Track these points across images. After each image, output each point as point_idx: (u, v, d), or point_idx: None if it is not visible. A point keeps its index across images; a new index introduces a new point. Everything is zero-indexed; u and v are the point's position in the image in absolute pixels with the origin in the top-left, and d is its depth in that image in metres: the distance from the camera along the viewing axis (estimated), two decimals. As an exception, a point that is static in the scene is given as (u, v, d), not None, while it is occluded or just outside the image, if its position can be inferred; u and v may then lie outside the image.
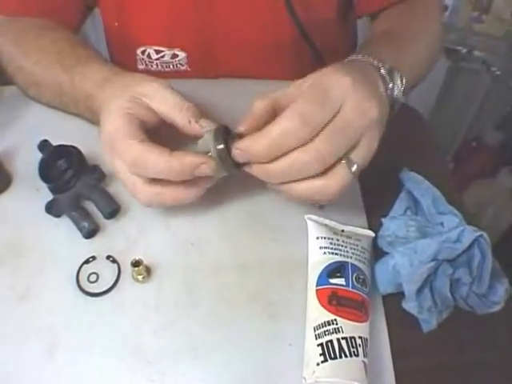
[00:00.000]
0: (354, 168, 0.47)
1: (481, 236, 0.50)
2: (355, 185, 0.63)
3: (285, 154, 0.46)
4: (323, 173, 0.47)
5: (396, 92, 0.54)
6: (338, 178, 0.48)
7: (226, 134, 0.50)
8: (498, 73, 1.63)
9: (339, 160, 0.47)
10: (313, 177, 0.47)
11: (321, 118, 0.45)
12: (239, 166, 0.50)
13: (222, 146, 0.49)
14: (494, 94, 1.71)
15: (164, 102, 0.53)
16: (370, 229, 0.57)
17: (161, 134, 0.55)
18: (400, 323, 0.53)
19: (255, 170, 0.49)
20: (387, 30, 0.71)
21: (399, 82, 0.54)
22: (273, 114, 0.49)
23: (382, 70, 0.53)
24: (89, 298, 0.53)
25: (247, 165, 0.50)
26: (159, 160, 0.48)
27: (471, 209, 1.71)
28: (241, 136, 0.49)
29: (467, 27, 1.66)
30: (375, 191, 0.62)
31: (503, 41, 1.64)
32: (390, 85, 0.53)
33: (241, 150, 0.47)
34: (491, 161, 1.85)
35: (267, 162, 0.47)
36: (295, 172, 0.47)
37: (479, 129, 1.85)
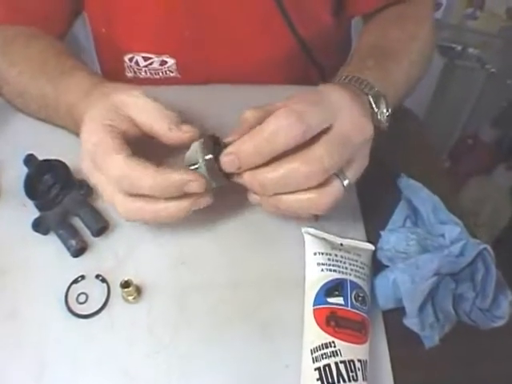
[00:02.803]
0: (346, 183, 0.47)
1: (484, 249, 0.48)
2: (352, 192, 0.61)
3: (280, 161, 0.45)
4: (316, 186, 0.46)
5: (379, 116, 0.54)
6: (331, 191, 0.47)
7: (214, 144, 0.48)
8: (492, 70, 1.61)
9: (333, 174, 0.46)
10: (305, 189, 0.46)
11: (317, 118, 0.44)
12: (229, 176, 0.49)
13: (210, 157, 0.47)
14: (489, 91, 1.69)
15: (143, 110, 0.51)
16: (368, 239, 0.56)
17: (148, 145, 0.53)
18: (401, 338, 0.51)
19: (247, 179, 0.47)
20: (374, 44, 0.69)
21: (384, 108, 0.54)
22: None
23: (369, 97, 0.54)
24: (78, 319, 0.51)
25: (238, 175, 0.48)
26: (146, 177, 0.46)
27: (468, 206, 1.70)
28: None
29: (461, 24, 1.65)
30: (372, 196, 0.60)
31: (498, 37, 1.63)
32: (376, 110, 0.53)
33: (231, 154, 0.45)
34: (487, 158, 1.84)
35: (260, 169, 0.46)
36: (294, 183, 0.45)
37: (475, 126, 1.84)
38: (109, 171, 0.47)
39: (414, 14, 0.75)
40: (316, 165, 0.44)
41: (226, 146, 0.47)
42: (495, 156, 1.83)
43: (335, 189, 0.47)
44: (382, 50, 0.67)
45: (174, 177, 0.46)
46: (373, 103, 0.53)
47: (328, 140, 0.45)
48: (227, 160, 0.46)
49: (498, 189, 1.79)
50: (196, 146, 0.49)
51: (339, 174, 0.47)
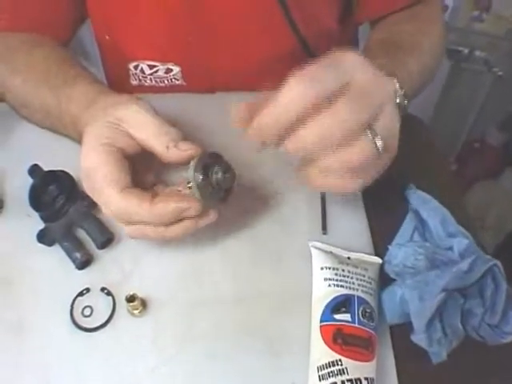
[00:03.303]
0: (379, 141, 0.44)
1: (494, 265, 0.48)
2: (359, 203, 0.61)
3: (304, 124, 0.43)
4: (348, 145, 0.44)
5: (398, 99, 0.51)
6: (363, 147, 0.44)
7: (214, 161, 0.47)
8: (500, 73, 1.60)
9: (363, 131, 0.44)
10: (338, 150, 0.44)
11: (330, 80, 0.42)
12: (226, 198, 0.48)
13: (200, 179, 0.46)
14: (496, 95, 1.68)
15: (142, 127, 0.49)
16: (376, 251, 0.55)
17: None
18: (408, 353, 0.50)
19: (290, 145, 0.44)
20: (384, 39, 0.69)
21: (398, 89, 0.50)
22: None
23: None
24: (83, 332, 0.50)
25: (284, 141, 0.45)
26: (142, 211, 0.46)
27: (475, 210, 1.69)
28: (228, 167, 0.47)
29: (468, 27, 1.64)
30: (378, 206, 0.60)
31: (505, 40, 1.62)
32: None
33: (256, 126, 0.44)
34: (494, 162, 1.83)
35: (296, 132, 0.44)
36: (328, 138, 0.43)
37: (482, 129, 1.82)
38: (105, 202, 0.48)
39: (424, 14, 0.74)
40: (338, 119, 0.42)
41: (227, 165, 0.46)
42: (502, 160, 1.82)
43: (366, 145, 0.44)
44: (393, 43, 0.66)
45: (168, 207, 0.46)
46: None
47: (346, 99, 0.42)
48: (251, 133, 0.45)
49: (504, 193, 1.77)
50: (191, 167, 0.48)
51: (369, 130, 0.44)
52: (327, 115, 0.42)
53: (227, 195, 0.48)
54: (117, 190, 0.47)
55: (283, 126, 0.43)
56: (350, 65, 0.44)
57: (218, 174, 0.46)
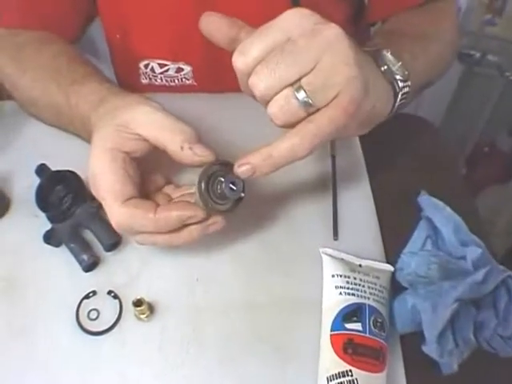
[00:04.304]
0: (301, 94, 0.41)
1: (509, 277, 0.47)
2: (371, 209, 0.60)
3: None
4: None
5: (398, 76, 0.49)
6: (279, 102, 0.41)
7: (224, 171, 0.46)
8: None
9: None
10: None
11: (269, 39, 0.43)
12: (232, 208, 0.47)
13: (203, 188, 0.45)
14: (507, 99, 1.67)
15: (153, 125, 0.48)
16: (387, 258, 0.55)
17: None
18: (418, 363, 0.49)
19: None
20: (388, 29, 0.68)
21: (392, 59, 0.50)
22: None
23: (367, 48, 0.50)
24: (89, 336, 0.50)
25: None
26: (147, 221, 0.46)
27: (484, 215, 1.68)
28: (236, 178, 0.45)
29: (480, 31, 1.62)
30: (390, 213, 0.59)
31: (517, 44, 1.61)
32: (384, 67, 0.50)
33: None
34: (504, 166, 1.81)
35: None
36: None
37: (492, 134, 1.81)
38: (108, 212, 0.47)
39: (436, 7, 0.73)
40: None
41: (236, 176, 0.45)
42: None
43: (283, 99, 0.41)
44: (397, 30, 0.65)
45: (172, 215, 0.46)
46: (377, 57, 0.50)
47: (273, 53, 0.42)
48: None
49: (514, 198, 1.76)
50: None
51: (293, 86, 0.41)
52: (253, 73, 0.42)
53: (235, 205, 0.47)
54: (119, 203, 0.46)
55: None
56: (288, 21, 0.43)
57: (223, 186, 0.45)
